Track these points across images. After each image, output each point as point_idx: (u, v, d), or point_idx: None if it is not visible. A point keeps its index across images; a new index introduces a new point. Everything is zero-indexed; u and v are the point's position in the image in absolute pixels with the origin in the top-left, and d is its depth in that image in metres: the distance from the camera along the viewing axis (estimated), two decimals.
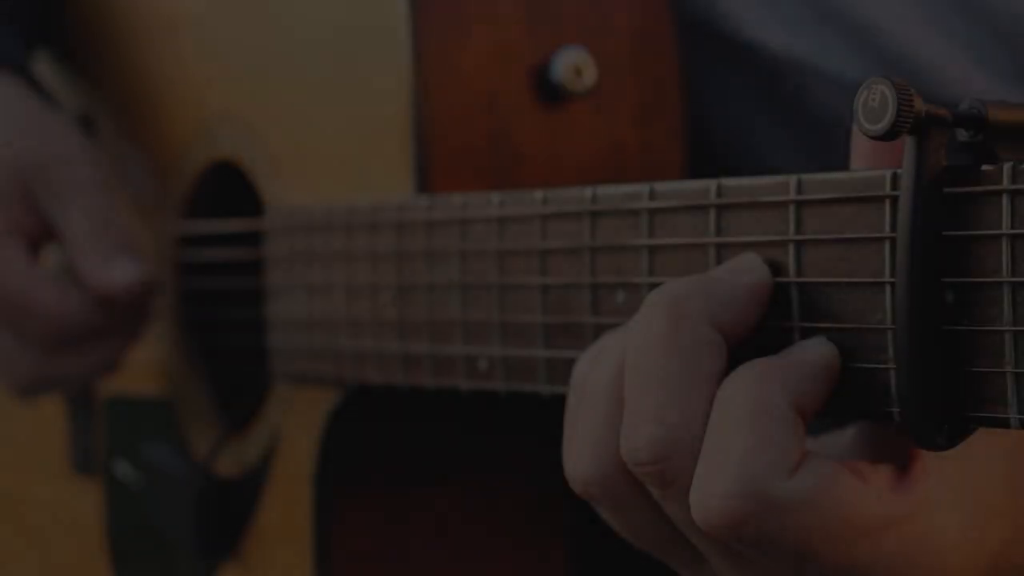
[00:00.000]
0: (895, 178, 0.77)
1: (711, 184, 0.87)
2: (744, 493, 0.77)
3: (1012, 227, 0.72)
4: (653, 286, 0.89)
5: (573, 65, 1.14)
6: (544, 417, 1.01)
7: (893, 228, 0.77)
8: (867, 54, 1.16)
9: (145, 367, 1.49)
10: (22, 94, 1.40)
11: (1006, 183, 0.72)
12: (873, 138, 0.74)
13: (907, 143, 0.75)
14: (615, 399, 0.85)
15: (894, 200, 0.77)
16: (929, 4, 1.15)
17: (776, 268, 0.83)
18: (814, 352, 0.80)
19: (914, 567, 0.82)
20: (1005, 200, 0.72)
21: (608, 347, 0.87)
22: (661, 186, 0.90)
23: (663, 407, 0.80)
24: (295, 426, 1.28)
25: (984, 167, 0.74)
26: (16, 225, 1.35)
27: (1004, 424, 0.73)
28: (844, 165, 0.87)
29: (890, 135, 0.74)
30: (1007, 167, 0.72)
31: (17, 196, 1.35)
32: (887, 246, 0.78)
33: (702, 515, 0.78)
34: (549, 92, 1.15)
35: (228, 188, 1.40)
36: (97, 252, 1.33)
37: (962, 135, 0.76)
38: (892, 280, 0.77)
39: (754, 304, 0.82)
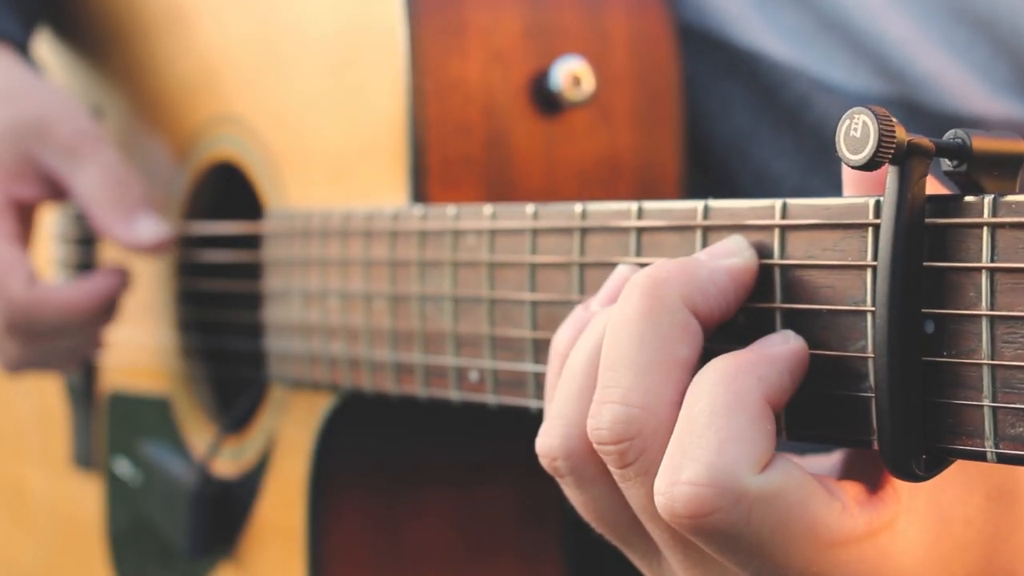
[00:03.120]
0: (878, 206, 0.77)
1: (698, 205, 0.87)
2: (713, 482, 0.77)
3: (992, 260, 0.72)
4: None
5: (571, 74, 1.14)
6: (539, 421, 1.01)
7: (875, 256, 0.77)
8: (868, 63, 1.16)
9: (147, 365, 1.49)
10: (18, 64, 1.40)
11: (987, 215, 0.72)
12: (854, 168, 0.74)
13: (889, 173, 0.75)
14: (590, 376, 0.85)
15: (877, 228, 0.77)
16: (930, 14, 1.14)
17: (762, 291, 0.83)
18: (788, 346, 0.80)
19: None
20: (986, 233, 0.72)
21: (591, 323, 0.87)
22: (649, 205, 0.90)
23: (630, 389, 0.80)
24: (292, 428, 1.28)
25: (966, 198, 0.74)
26: (6, 195, 1.35)
27: (980, 457, 0.73)
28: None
29: (871, 165, 0.73)
30: (988, 200, 0.72)
31: (13, 162, 1.35)
32: (869, 274, 0.77)
33: (667, 502, 0.78)
34: (547, 101, 1.15)
35: (229, 188, 1.41)
36: (118, 210, 1.34)
37: (946, 165, 0.75)
38: (873, 308, 0.77)
39: (734, 287, 0.82)
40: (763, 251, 0.83)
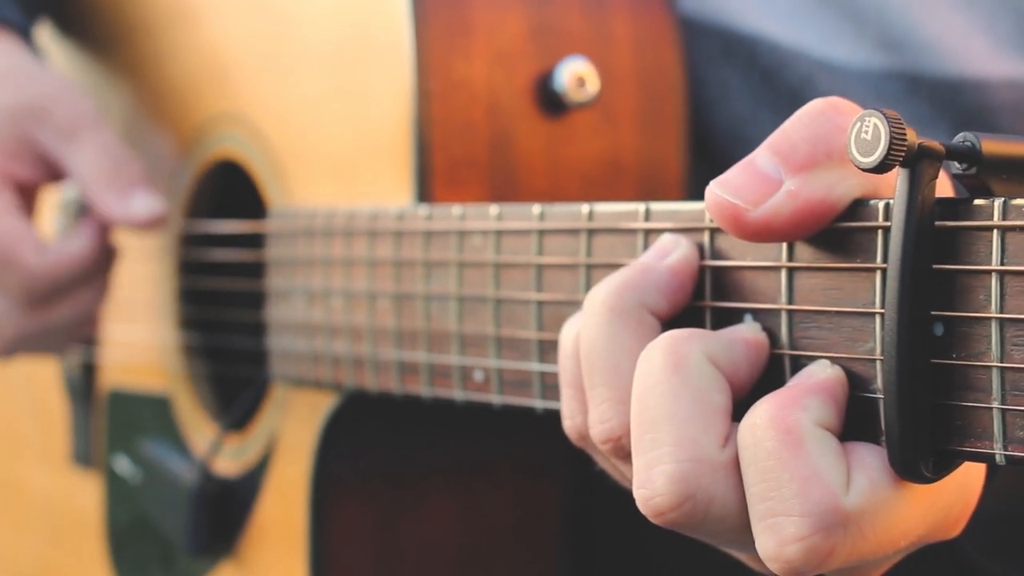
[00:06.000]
0: (887, 208, 0.77)
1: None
2: (817, 527, 0.76)
3: (1001, 263, 0.72)
4: None
5: (576, 75, 1.14)
6: (539, 420, 1.01)
7: (885, 258, 0.77)
8: (868, 35, 1.16)
9: (147, 363, 1.49)
10: (19, 50, 1.40)
11: (996, 219, 0.73)
12: (865, 170, 0.74)
13: (899, 175, 0.75)
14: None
15: (886, 231, 0.77)
16: None
17: (769, 293, 0.83)
18: (825, 375, 0.79)
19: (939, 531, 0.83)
20: (995, 236, 0.72)
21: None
22: (656, 206, 0.90)
23: (676, 445, 0.79)
24: (294, 427, 1.28)
25: (976, 201, 0.74)
26: (5, 174, 1.35)
27: (989, 459, 0.73)
28: None
29: (882, 168, 0.74)
30: (998, 203, 0.72)
31: (10, 143, 1.35)
32: (878, 276, 0.78)
33: (786, 568, 0.77)
34: (551, 102, 1.15)
35: (231, 187, 1.41)
36: (113, 188, 1.34)
37: (955, 168, 0.76)
38: (882, 311, 0.77)
39: (752, 358, 0.83)
40: (768, 296, 0.83)
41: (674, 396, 0.80)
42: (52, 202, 1.60)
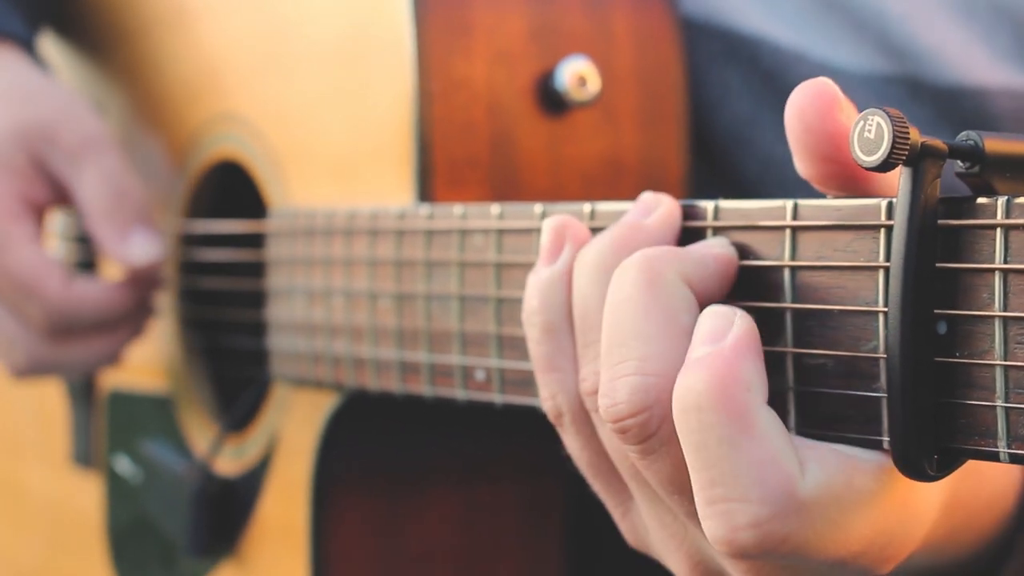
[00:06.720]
0: (890, 207, 0.77)
1: (708, 205, 0.87)
2: (778, 513, 0.76)
3: (1005, 261, 0.72)
4: None
5: (577, 74, 1.14)
6: (542, 419, 1.01)
7: (888, 257, 0.77)
8: (870, 41, 1.17)
9: (147, 363, 1.49)
10: (25, 64, 1.40)
11: (1000, 217, 0.73)
12: (868, 169, 0.74)
13: (902, 174, 0.75)
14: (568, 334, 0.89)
15: (889, 229, 0.77)
16: None
17: (772, 292, 0.83)
18: (744, 326, 0.80)
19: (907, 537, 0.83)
20: (999, 234, 0.73)
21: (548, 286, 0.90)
22: None
23: (643, 359, 0.80)
24: (295, 427, 1.28)
25: (979, 200, 0.74)
26: (23, 198, 1.34)
27: (993, 457, 0.73)
28: None
29: (885, 166, 0.74)
30: (1001, 201, 0.73)
31: (23, 164, 1.34)
32: (881, 275, 0.78)
33: (737, 551, 0.77)
34: (552, 101, 1.15)
35: (232, 187, 1.41)
36: (114, 223, 1.33)
37: (958, 167, 0.76)
38: (885, 309, 0.77)
39: (720, 272, 0.83)
40: (772, 293, 0.83)
41: (645, 313, 0.81)
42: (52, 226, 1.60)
